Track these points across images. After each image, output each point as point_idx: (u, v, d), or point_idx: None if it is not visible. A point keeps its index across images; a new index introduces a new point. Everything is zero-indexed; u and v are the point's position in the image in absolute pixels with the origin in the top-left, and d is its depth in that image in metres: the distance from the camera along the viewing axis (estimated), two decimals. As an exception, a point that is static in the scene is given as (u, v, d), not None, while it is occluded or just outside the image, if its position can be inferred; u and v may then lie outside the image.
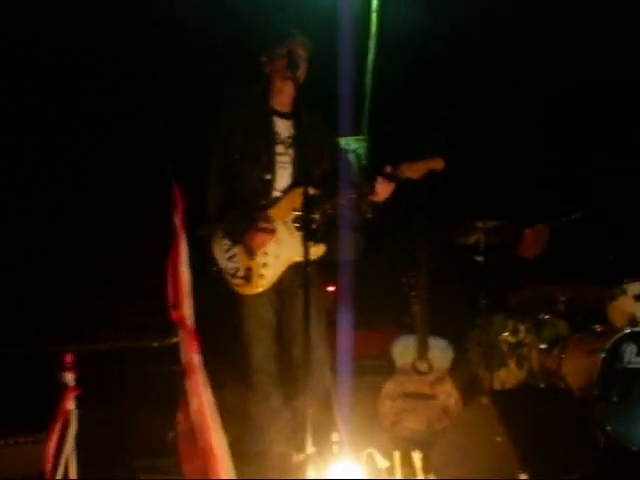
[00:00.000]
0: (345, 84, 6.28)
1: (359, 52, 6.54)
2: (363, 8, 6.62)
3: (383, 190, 4.08)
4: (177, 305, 3.39)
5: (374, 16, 6.64)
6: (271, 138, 4.19)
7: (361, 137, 6.74)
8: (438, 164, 4.10)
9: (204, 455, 3.43)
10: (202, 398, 3.43)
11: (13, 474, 3.76)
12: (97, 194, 5.21)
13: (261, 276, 4.08)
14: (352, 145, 6.54)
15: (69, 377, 3.33)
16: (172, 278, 3.35)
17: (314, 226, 4.01)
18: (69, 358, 3.33)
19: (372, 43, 6.69)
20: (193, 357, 3.47)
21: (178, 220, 3.39)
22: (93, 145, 5.31)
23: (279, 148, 4.19)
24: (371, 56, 6.69)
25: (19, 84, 5.19)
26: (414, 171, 4.08)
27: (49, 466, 3.38)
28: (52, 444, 3.39)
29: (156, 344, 4.04)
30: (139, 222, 5.02)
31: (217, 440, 3.45)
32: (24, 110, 5.20)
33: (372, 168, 6.53)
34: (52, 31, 5.27)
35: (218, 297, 4.19)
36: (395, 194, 4.10)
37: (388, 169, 4.07)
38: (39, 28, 5.23)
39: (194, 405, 3.44)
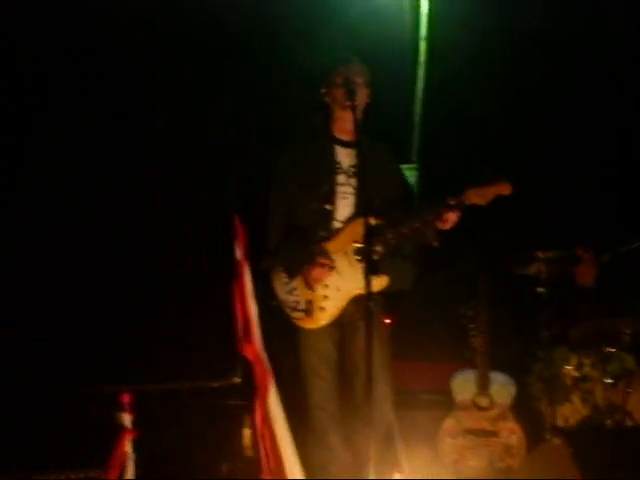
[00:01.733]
0: (395, 113, 6.24)
1: (409, 80, 6.49)
2: (412, 36, 6.56)
3: (448, 218, 3.96)
4: (247, 337, 3.30)
5: (423, 44, 6.56)
6: (332, 167, 4.12)
7: (411, 166, 6.64)
8: (505, 189, 3.99)
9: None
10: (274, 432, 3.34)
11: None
12: (160, 232, 5.16)
13: (322, 309, 3.98)
14: (403, 175, 6.45)
15: (126, 418, 3.24)
16: (240, 311, 3.26)
17: (376, 257, 3.91)
18: (126, 399, 3.24)
19: (421, 71, 6.61)
20: (268, 387, 3.37)
21: (241, 252, 3.30)
22: (162, 175, 5.27)
23: (340, 178, 4.11)
24: (420, 84, 6.60)
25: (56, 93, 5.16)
26: (480, 197, 3.98)
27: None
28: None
29: (216, 385, 3.95)
30: (200, 255, 4.97)
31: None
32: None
33: (423, 197, 6.45)
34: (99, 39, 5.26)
35: (279, 331, 4.10)
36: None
37: (452, 199, 3.96)
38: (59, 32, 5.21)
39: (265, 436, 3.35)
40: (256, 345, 3.26)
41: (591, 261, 5.48)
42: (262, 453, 3.30)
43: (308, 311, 3.97)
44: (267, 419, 3.29)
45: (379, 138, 4.36)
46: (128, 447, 3.29)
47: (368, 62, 4.33)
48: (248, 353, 3.26)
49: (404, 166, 6.54)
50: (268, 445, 3.32)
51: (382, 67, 5.68)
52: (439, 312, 5.76)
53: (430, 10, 6.38)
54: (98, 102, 5.18)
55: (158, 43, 5.29)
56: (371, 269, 3.62)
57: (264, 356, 3.32)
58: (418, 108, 6.61)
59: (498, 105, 6.11)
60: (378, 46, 5.92)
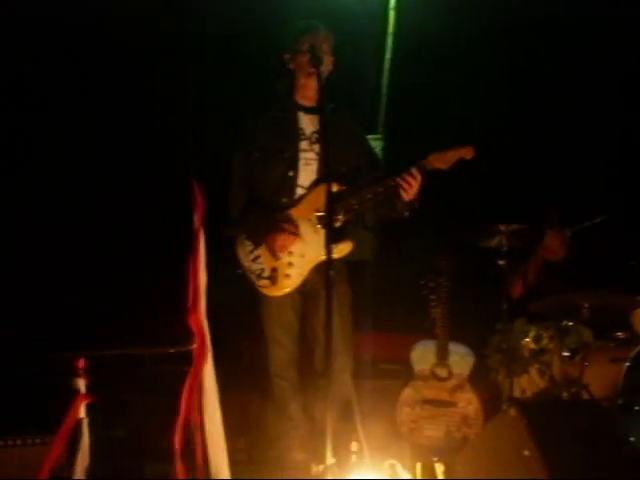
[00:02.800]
0: (362, 82, 6.21)
1: (376, 50, 6.46)
2: (381, 6, 6.51)
3: (411, 184, 3.95)
4: (194, 308, 3.27)
5: (392, 14, 6.52)
6: (295, 134, 4.10)
7: (377, 136, 6.62)
8: (468, 153, 3.99)
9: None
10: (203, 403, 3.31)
11: (15, 475, 3.66)
12: (114, 195, 5.13)
13: (287, 276, 3.97)
14: (369, 144, 6.43)
15: (80, 383, 3.22)
16: (192, 281, 3.23)
17: (339, 224, 3.89)
18: (81, 364, 3.21)
19: (389, 41, 6.58)
20: (203, 360, 3.35)
21: (197, 221, 3.27)
22: (114, 144, 5.23)
23: (303, 144, 4.09)
24: (388, 54, 6.57)
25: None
26: (443, 161, 3.97)
27: (48, 469, 3.27)
28: (57, 448, 3.28)
29: (172, 350, 3.93)
30: (158, 224, 4.94)
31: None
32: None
33: (388, 167, 6.44)
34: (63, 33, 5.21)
35: (242, 300, 4.09)
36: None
37: (414, 165, 3.95)
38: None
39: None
40: (200, 316, 3.23)
41: (563, 236, 5.52)
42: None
43: (273, 278, 3.96)
44: (198, 390, 3.27)
45: (346, 107, 4.34)
46: (82, 412, 3.25)
47: (337, 32, 4.29)
48: (192, 323, 3.24)
49: (371, 136, 6.57)
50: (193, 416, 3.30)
51: (351, 37, 5.69)
52: (400, 283, 5.78)
53: (399, -21, 6.35)
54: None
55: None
56: (334, 236, 3.60)
57: (206, 328, 3.29)
58: (386, 79, 6.59)
59: (465, 75, 6.11)
60: (347, 16, 5.89)
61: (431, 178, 4.04)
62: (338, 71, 4.21)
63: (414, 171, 3.94)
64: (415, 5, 6.23)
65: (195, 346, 3.31)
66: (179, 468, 3.17)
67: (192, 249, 3.26)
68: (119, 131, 5.31)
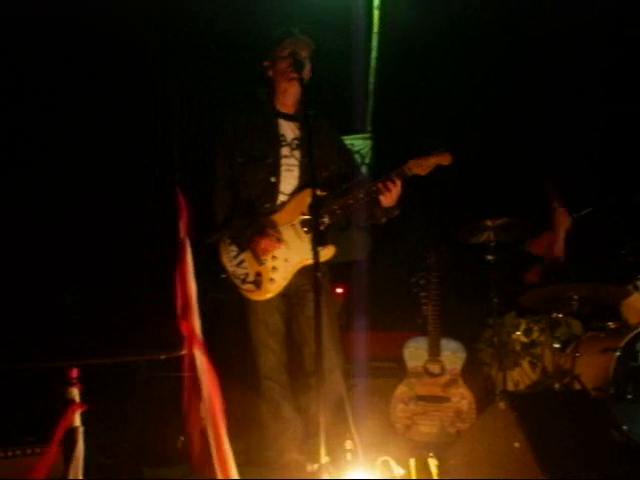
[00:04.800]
0: (349, 82, 6.25)
1: (362, 50, 6.50)
2: (365, 6, 6.55)
3: (392, 189, 3.99)
4: (185, 315, 3.30)
5: (376, 13, 6.56)
6: (276, 140, 4.14)
7: (365, 135, 6.66)
8: (445, 159, 4.03)
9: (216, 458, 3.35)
10: (214, 403, 3.35)
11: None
12: (101, 205, 5.15)
13: (271, 280, 4.01)
14: (356, 144, 6.46)
15: (74, 392, 3.25)
16: (180, 289, 3.26)
17: (322, 228, 3.94)
18: (74, 373, 3.25)
19: (375, 40, 6.62)
20: (203, 364, 3.38)
21: (183, 230, 3.30)
22: (102, 154, 5.25)
23: (285, 150, 4.14)
24: (374, 53, 6.62)
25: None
26: (421, 167, 4.01)
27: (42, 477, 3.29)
28: (50, 456, 3.31)
29: (163, 357, 3.97)
30: (146, 233, 4.97)
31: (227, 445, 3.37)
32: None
33: (377, 166, 6.48)
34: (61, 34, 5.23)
35: (229, 304, 4.13)
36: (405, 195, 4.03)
37: (394, 171, 4.00)
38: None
39: (205, 409, 3.36)
40: (192, 322, 3.27)
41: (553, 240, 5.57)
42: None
43: (257, 283, 4.00)
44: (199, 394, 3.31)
45: (333, 108, 4.38)
46: (77, 421, 3.29)
47: (321, 32, 4.33)
48: (184, 329, 3.27)
49: (359, 135, 6.61)
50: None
51: (336, 37, 5.73)
52: (391, 281, 5.82)
53: (382, -21, 6.38)
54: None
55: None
56: (318, 240, 3.64)
57: (200, 335, 3.33)
58: (372, 77, 6.63)
59: (450, 73, 6.15)
60: (332, 16, 5.93)
61: (419, 178, 4.09)
62: (325, 71, 4.25)
63: (394, 177, 3.99)
64: (399, 3, 6.27)
65: (185, 352, 3.34)
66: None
67: (179, 257, 3.29)
68: (103, 139, 5.33)
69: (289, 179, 4.12)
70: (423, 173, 4.00)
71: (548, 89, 5.99)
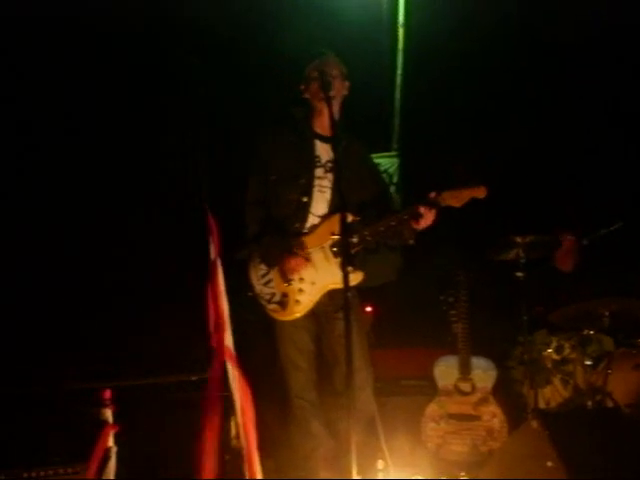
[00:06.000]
0: (375, 100, 6.26)
1: (388, 68, 6.52)
2: (390, 22, 6.57)
3: (424, 218, 3.98)
4: (217, 333, 3.32)
5: (401, 31, 6.57)
6: (311, 161, 4.15)
7: (392, 153, 6.66)
8: (481, 192, 3.99)
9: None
10: (247, 418, 3.36)
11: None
12: (132, 227, 5.18)
13: (297, 302, 4.02)
14: (383, 163, 6.46)
15: (107, 413, 3.28)
16: (212, 307, 3.27)
17: (352, 251, 3.94)
18: (107, 395, 3.27)
19: (400, 58, 6.63)
20: (236, 379, 3.39)
21: (214, 250, 3.32)
22: (131, 173, 5.29)
23: (319, 172, 4.15)
24: (399, 71, 6.63)
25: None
26: (456, 199, 3.98)
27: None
28: (88, 477, 3.35)
29: (195, 378, 3.98)
30: (176, 255, 4.99)
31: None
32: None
33: (404, 185, 6.48)
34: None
35: (257, 323, 4.14)
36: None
37: (430, 196, 3.97)
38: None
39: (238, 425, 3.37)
40: (224, 339, 3.28)
41: (571, 246, 5.54)
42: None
43: (283, 303, 4.01)
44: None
45: (361, 127, 4.39)
46: (110, 441, 3.31)
47: (347, 52, 4.35)
48: (214, 344, 3.29)
49: (386, 154, 6.62)
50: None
51: (362, 56, 5.74)
52: (420, 299, 5.80)
53: (408, -3, 6.40)
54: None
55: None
56: (348, 263, 3.63)
57: (232, 350, 3.34)
58: (398, 95, 6.64)
59: (476, 90, 6.15)
60: (358, 35, 5.95)
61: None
62: (354, 92, 4.27)
63: (427, 207, 3.96)
64: (425, 20, 6.28)
65: (215, 369, 3.35)
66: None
67: (210, 277, 3.30)
68: (132, 156, 5.36)
69: (321, 200, 4.12)
70: (458, 205, 3.98)
71: (578, 108, 5.96)
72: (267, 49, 5.63)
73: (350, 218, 3.88)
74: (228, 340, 3.31)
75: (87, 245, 5.13)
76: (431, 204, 3.97)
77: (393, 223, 4.02)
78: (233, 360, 3.33)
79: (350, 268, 3.53)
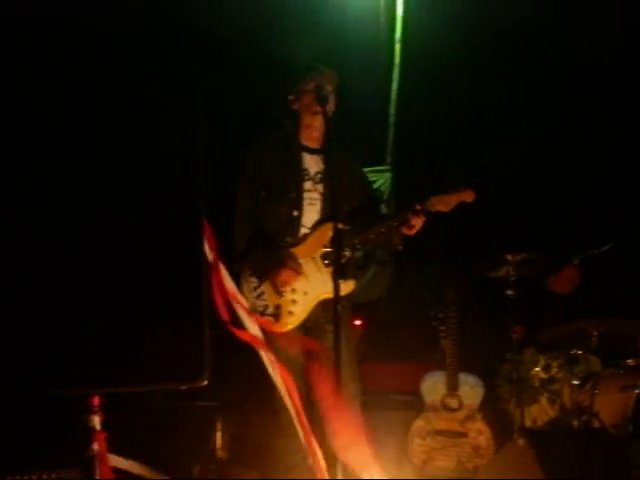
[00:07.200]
0: (370, 115, 6.28)
1: (384, 82, 6.54)
2: (387, 38, 6.61)
3: (413, 224, 4.02)
4: (232, 320, 3.31)
5: (397, 47, 6.61)
6: (300, 174, 4.17)
7: (385, 168, 6.68)
8: (468, 196, 4.05)
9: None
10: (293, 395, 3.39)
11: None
12: (123, 233, 5.15)
13: (290, 313, 4.02)
14: (375, 180, 6.46)
15: (96, 420, 3.25)
16: (219, 297, 3.25)
17: (343, 261, 3.95)
18: (96, 401, 3.25)
19: (396, 73, 6.66)
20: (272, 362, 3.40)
21: (211, 253, 3.30)
22: (127, 180, 5.27)
23: (308, 184, 4.17)
24: (395, 85, 6.65)
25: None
26: (444, 204, 4.03)
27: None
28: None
29: (184, 387, 3.96)
30: (169, 262, 4.96)
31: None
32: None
33: (397, 199, 6.49)
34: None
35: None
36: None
37: (418, 206, 4.01)
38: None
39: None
40: (249, 329, 3.28)
41: (574, 273, 5.55)
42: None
43: (276, 315, 4.01)
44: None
45: (354, 141, 4.41)
46: (97, 448, 3.29)
47: (344, 65, 4.37)
48: (242, 337, 3.29)
49: (379, 167, 6.63)
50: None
51: (358, 69, 5.76)
52: (410, 314, 5.81)
53: (405, 13, 6.44)
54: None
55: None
56: (339, 273, 3.65)
57: (260, 336, 3.34)
58: (393, 109, 6.66)
59: (471, 106, 6.17)
60: (354, 49, 5.97)
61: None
62: (346, 104, 4.28)
63: (415, 214, 4.00)
64: (421, 36, 6.31)
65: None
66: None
67: (211, 275, 3.27)
68: (132, 156, 5.35)
69: (311, 213, 4.14)
70: (446, 210, 4.03)
71: (576, 124, 5.98)
72: (266, 52, 5.63)
73: (340, 226, 3.88)
74: (252, 328, 3.32)
75: (78, 252, 5.11)
76: (419, 212, 4.00)
77: (383, 230, 4.05)
78: (263, 345, 3.34)
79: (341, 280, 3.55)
